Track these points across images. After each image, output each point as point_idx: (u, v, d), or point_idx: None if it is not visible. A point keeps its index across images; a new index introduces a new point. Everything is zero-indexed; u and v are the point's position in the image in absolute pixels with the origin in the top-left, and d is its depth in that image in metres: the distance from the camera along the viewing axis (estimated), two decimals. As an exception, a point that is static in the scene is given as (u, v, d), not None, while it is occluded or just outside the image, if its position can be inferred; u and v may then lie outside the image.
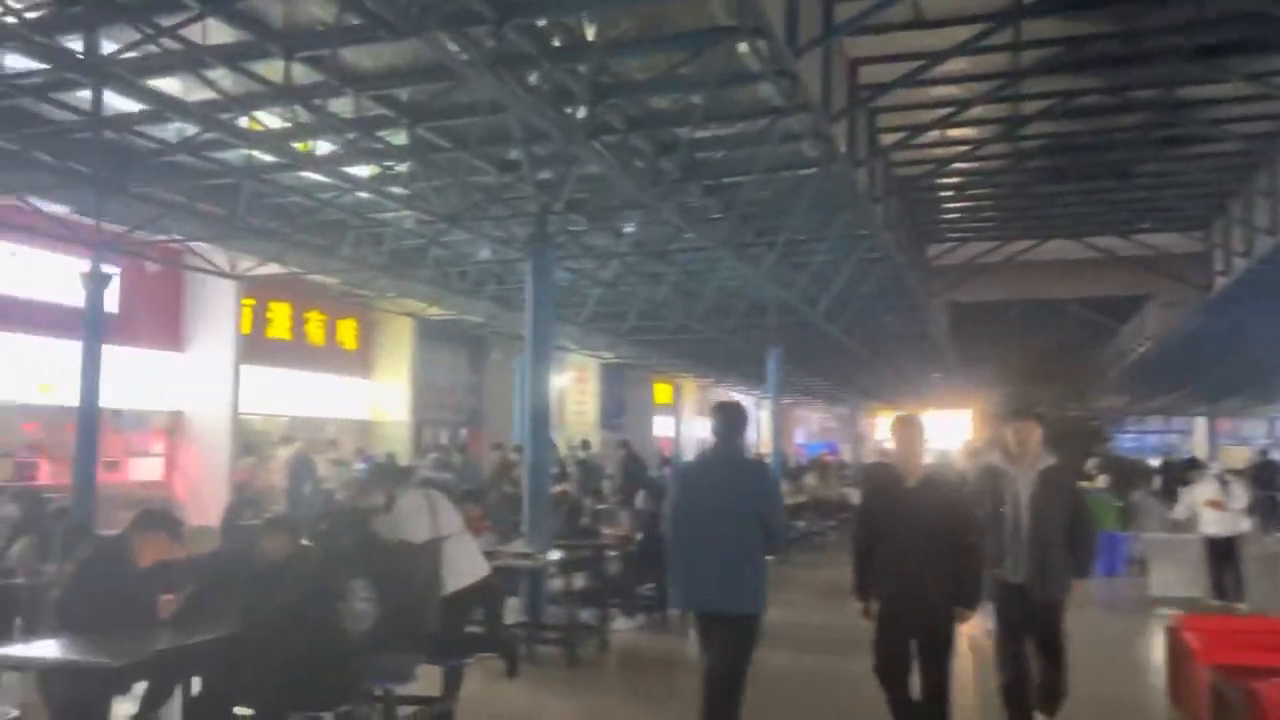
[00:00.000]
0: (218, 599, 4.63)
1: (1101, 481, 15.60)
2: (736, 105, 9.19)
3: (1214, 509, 10.22)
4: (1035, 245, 20.70)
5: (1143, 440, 44.99)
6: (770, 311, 17.65)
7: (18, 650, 4.54)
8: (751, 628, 4.87)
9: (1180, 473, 15.91)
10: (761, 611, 4.94)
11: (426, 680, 5.68)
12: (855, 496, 21.43)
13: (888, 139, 12.28)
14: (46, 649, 4.39)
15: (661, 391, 33.35)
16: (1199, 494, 10.39)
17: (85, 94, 8.40)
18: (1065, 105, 12.11)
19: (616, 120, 9.15)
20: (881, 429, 49.95)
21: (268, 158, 10.42)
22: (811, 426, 54.11)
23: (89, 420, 9.99)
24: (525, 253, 9.83)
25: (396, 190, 11.04)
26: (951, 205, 17.89)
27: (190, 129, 9.27)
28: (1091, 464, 16.41)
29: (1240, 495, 10.39)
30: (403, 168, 10.39)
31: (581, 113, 7.99)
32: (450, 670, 5.85)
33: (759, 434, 40.26)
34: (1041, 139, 13.43)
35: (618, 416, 29.56)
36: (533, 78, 7.79)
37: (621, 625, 9.02)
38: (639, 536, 9.53)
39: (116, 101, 8.83)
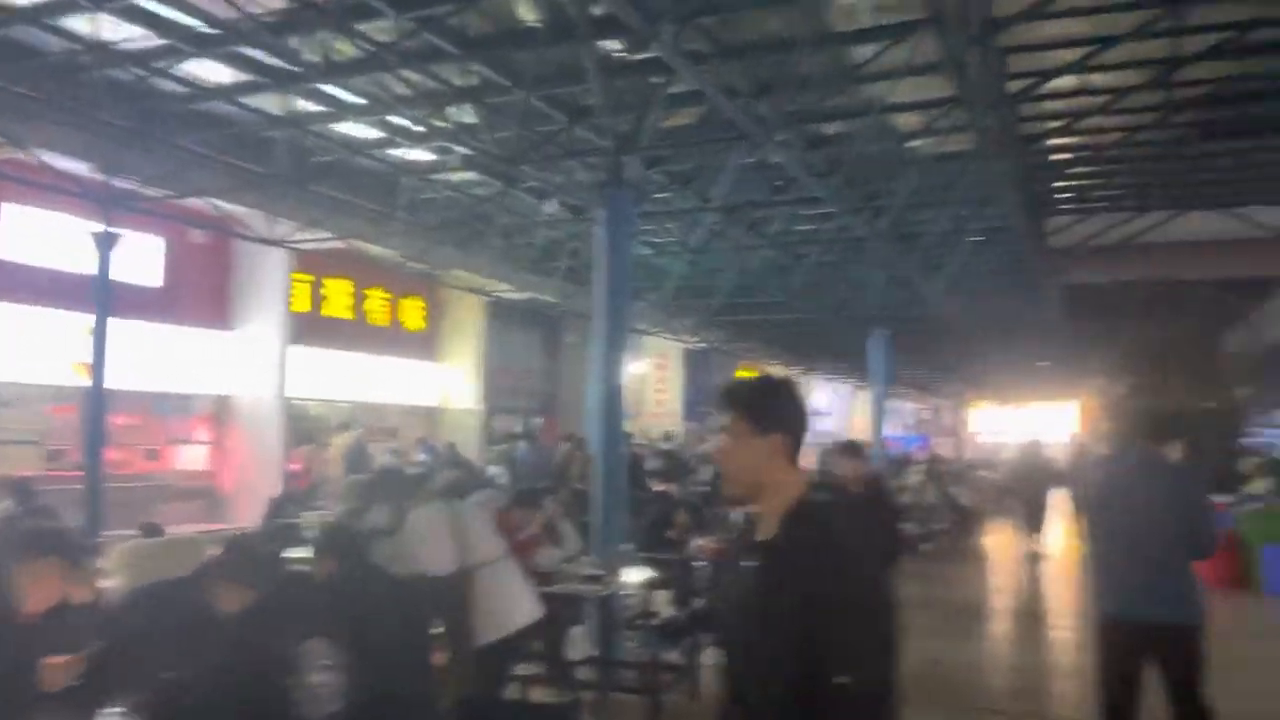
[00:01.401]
0: (137, 662, 3.15)
1: (1262, 485, 13.34)
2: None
3: None
4: (1173, 217, 18.43)
5: (1273, 437, 41.29)
6: (872, 289, 15.72)
7: None
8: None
9: None
10: (1198, 623, 4.58)
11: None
12: (965, 497, 19.35)
13: (1013, 86, 10.09)
14: None
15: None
16: None
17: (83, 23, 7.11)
18: (1237, 40, 10.25)
19: (704, 45, 7.50)
20: (980, 422, 47.33)
21: (304, 105, 9.07)
22: (905, 418, 51.52)
23: (97, 403, 8.80)
24: (598, 200, 8.21)
25: (453, 147, 9.60)
26: (1080, 171, 15.80)
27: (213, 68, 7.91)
28: (1250, 464, 14.15)
29: None
30: (458, 114, 8.91)
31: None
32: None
33: (849, 424, 38.15)
34: (1200, 85, 11.26)
35: (703, 406, 27.90)
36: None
37: (713, 660, 7.35)
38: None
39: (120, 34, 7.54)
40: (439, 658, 3.71)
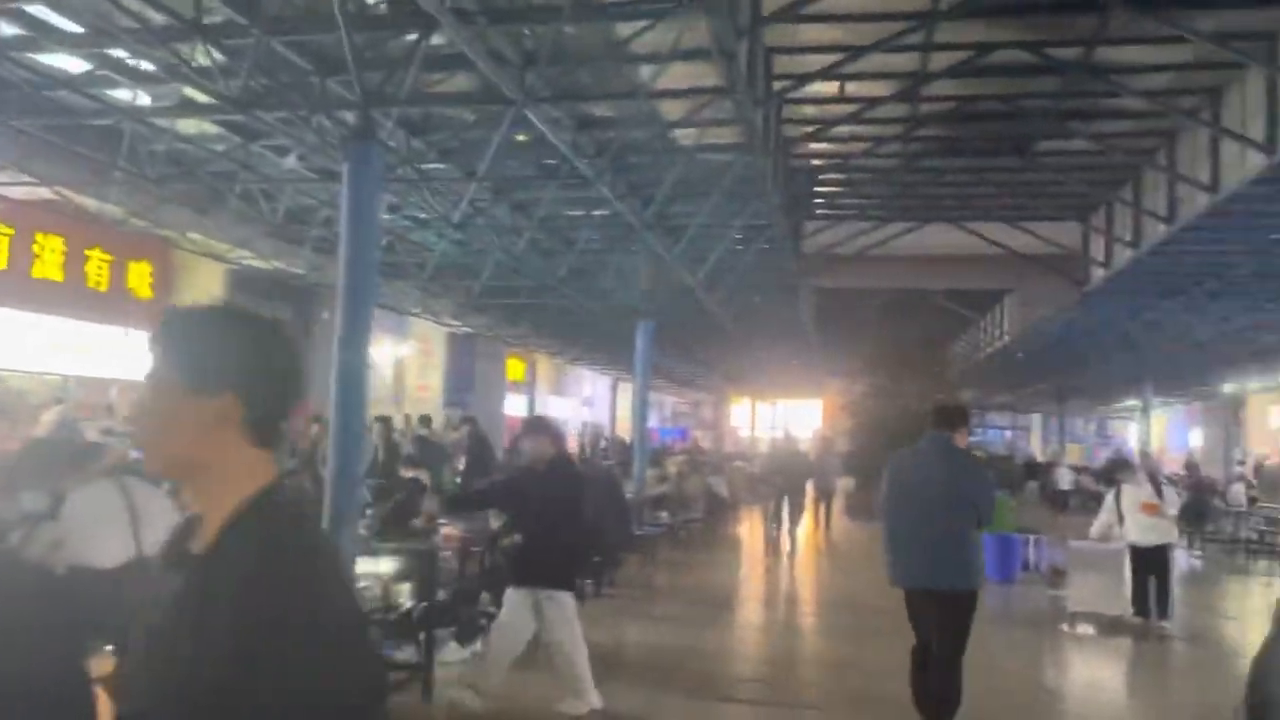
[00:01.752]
0: None
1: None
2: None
3: (1148, 514, 9.02)
4: (915, 228, 19.79)
5: (985, 436, 45.71)
6: (637, 280, 15.77)
7: None
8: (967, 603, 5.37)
9: (1106, 473, 14.72)
10: (972, 587, 5.38)
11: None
12: (721, 486, 19.98)
13: (777, 85, 10.56)
14: None
15: (514, 368, 31.13)
16: (1131, 497, 9.17)
17: None
18: (976, 62, 11.04)
19: (470, 4, 7.05)
20: (738, 416, 49.38)
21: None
22: (664, 410, 52.89)
23: None
24: (342, 154, 7.54)
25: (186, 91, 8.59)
26: (832, 178, 16.59)
27: None
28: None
29: (1174, 500, 9.25)
30: (191, 53, 7.95)
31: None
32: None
33: (613, 415, 38.64)
34: (943, 101, 12.05)
35: (465, 393, 27.21)
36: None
37: (453, 656, 6.94)
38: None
39: None
40: (103, 664, 3.09)
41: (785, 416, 46.55)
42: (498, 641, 5.97)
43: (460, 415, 16.23)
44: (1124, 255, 15.96)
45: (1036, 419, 49.48)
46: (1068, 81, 10.84)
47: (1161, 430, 46.31)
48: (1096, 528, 9.53)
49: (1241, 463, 26.03)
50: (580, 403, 39.40)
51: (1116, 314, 20.08)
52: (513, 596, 5.92)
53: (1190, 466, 24.26)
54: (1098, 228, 17.33)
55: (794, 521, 16.78)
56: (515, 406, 30.18)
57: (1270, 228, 13.37)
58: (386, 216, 13.45)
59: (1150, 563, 8.91)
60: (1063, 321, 21.65)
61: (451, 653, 6.91)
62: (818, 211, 18.46)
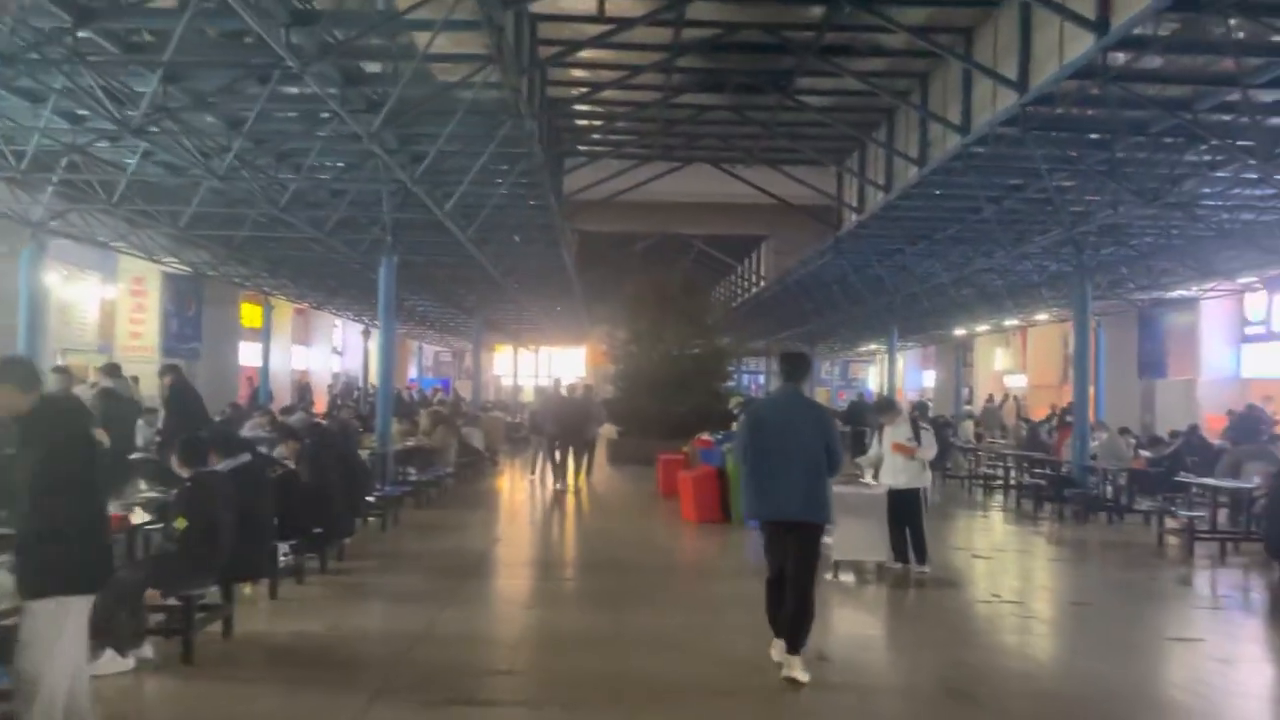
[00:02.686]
0: None
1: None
2: None
3: (903, 455, 8.77)
4: (676, 169, 19.30)
5: (740, 381, 47.09)
6: (385, 206, 14.14)
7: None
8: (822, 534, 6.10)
9: (869, 413, 14.57)
10: (829, 520, 6.14)
11: None
12: (476, 438, 18.79)
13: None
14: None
15: (251, 314, 28.19)
16: (890, 437, 8.88)
17: None
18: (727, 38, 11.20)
19: None
20: (502, 364, 48.11)
21: None
22: (425, 360, 50.82)
23: None
24: None
25: None
26: (589, 110, 15.69)
27: None
28: (735, 404, 15.07)
29: (931, 443, 9.04)
30: None
31: None
32: None
33: (365, 365, 36.30)
34: (705, 27, 11.44)
35: (191, 342, 24.34)
36: None
37: (110, 669, 5.45)
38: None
39: None
40: None
41: (550, 364, 45.88)
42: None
43: (162, 364, 14.07)
44: (876, 199, 16.11)
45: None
46: (831, 10, 10.51)
47: (899, 372, 49.69)
48: (866, 459, 9.28)
49: (969, 402, 27.88)
50: (331, 351, 36.77)
51: (866, 258, 20.48)
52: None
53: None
54: (852, 170, 17.45)
55: (578, 467, 16.76)
56: (251, 356, 27.45)
57: (1013, 171, 13.69)
58: (65, 126, 11.16)
59: (901, 507, 8.69)
60: (815, 267, 21.97)
61: (107, 664, 5.43)
62: (578, 147, 17.88)
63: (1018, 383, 33.33)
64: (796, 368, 6.30)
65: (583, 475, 16.94)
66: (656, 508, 14.07)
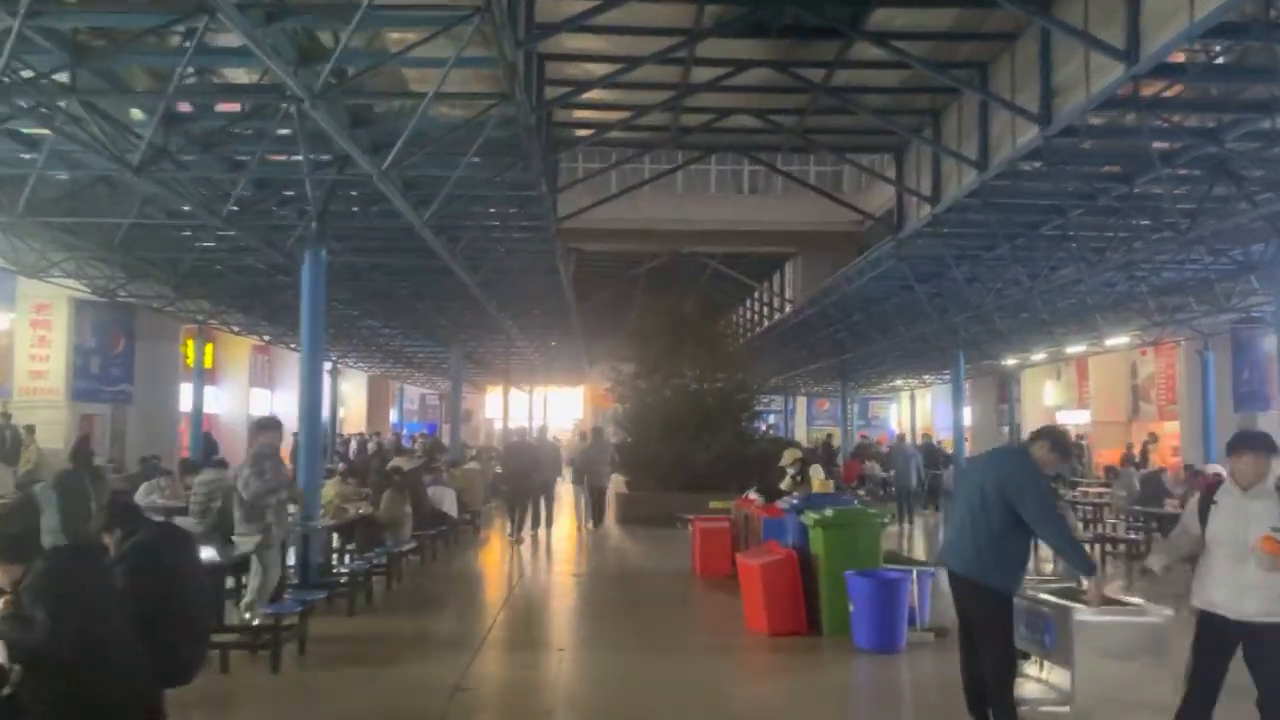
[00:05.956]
0: None
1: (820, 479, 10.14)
2: None
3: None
4: (700, 157, 15.67)
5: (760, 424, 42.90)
6: (308, 188, 10.30)
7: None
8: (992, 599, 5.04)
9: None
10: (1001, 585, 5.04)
11: None
12: (448, 501, 14.67)
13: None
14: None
15: (204, 351, 24.16)
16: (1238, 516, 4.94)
17: None
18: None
19: None
20: (493, 408, 44.05)
21: None
22: (409, 403, 46.83)
23: None
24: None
25: None
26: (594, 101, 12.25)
27: None
28: (791, 460, 11.04)
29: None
30: None
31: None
32: None
33: (334, 408, 32.29)
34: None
35: (120, 384, 20.41)
36: None
37: None
38: None
39: None
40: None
41: (545, 406, 41.95)
42: None
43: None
44: (960, 184, 12.50)
45: (801, 402, 47.52)
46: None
47: (925, 408, 45.66)
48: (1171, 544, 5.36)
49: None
50: (294, 395, 32.74)
51: (939, 263, 16.63)
52: None
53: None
54: (928, 140, 13.81)
55: (518, 525, 15.33)
56: (205, 400, 23.43)
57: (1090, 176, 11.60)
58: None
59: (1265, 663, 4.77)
60: (863, 281, 18.09)
61: None
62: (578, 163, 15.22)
63: (1075, 419, 29.45)
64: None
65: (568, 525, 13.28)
66: (700, 603, 9.98)
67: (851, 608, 7.31)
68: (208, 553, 7.47)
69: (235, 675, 6.60)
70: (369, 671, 7.05)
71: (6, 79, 7.22)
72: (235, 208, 10.07)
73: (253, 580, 7.74)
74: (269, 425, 8.53)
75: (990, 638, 4.92)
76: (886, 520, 7.95)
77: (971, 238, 14.95)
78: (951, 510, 5.19)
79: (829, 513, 7.84)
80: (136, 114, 8.73)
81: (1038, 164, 11.01)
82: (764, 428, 29.87)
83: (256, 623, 7.20)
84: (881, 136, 14.08)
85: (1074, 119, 8.76)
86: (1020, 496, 4.86)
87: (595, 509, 17.45)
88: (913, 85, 11.07)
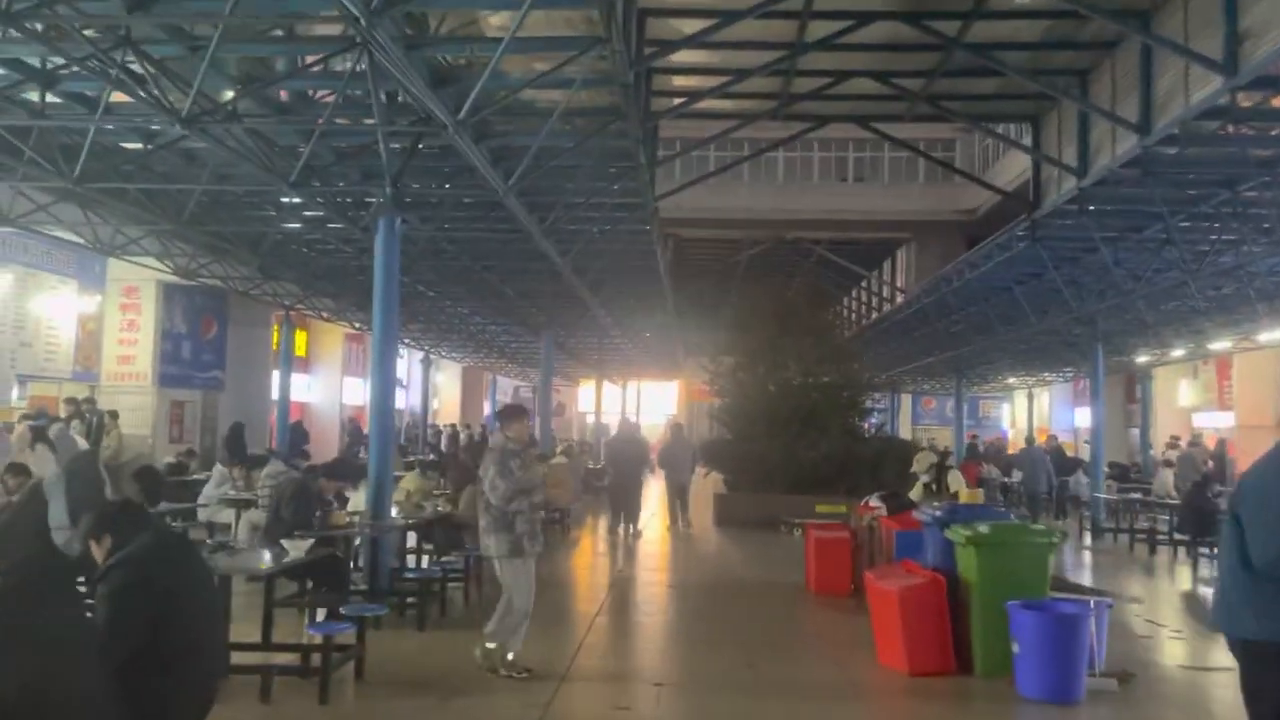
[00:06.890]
0: None
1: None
2: None
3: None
4: (813, 128, 14.31)
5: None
6: (383, 153, 9.36)
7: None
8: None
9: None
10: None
11: None
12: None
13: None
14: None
15: (296, 338, 23.80)
16: None
17: None
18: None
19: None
20: (587, 400, 43.30)
21: None
22: (503, 395, 46.37)
23: None
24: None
25: None
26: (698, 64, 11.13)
27: None
28: (925, 467, 9.67)
29: None
30: None
31: None
32: None
33: (426, 399, 31.95)
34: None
35: (212, 370, 20.12)
36: None
37: None
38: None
39: None
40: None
41: (639, 400, 40.91)
42: None
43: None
44: (1110, 156, 10.89)
45: (906, 399, 45.42)
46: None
47: (1042, 408, 43.01)
48: None
49: (1175, 444, 21.76)
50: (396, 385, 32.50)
51: (1084, 245, 14.85)
52: None
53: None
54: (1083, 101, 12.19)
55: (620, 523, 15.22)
56: (296, 389, 23.12)
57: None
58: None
59: None
60: (993, 265, 16.39)
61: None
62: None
63: (1216, 422, 26.94)
64: None
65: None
66: (819, 629, 8.46)
67: (1015, 647, 5.94)
68: (254, 558, 6.56)
69: (278, 704, 5.62)
70: (431, 703, 5.98)
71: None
72: (307, 170, 9.14)
73: (500, 606, 6.61)
74: (514, 414, 6.92)
75: None
76: (1056, 540, 6.50)
77: (1124, 215, 13.28)
78: (1222, 545, 3.48)
79: (983, 529, 6.45)
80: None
81: (1214, 126, 9.80)
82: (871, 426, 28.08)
83: (479, 653, 6.48)
84: (1017, 102, 12.74)
85: (1264, 69, 7.62)
86: None
87: (684, 507, 16.52)
88: (1057, 39, 10.06)
